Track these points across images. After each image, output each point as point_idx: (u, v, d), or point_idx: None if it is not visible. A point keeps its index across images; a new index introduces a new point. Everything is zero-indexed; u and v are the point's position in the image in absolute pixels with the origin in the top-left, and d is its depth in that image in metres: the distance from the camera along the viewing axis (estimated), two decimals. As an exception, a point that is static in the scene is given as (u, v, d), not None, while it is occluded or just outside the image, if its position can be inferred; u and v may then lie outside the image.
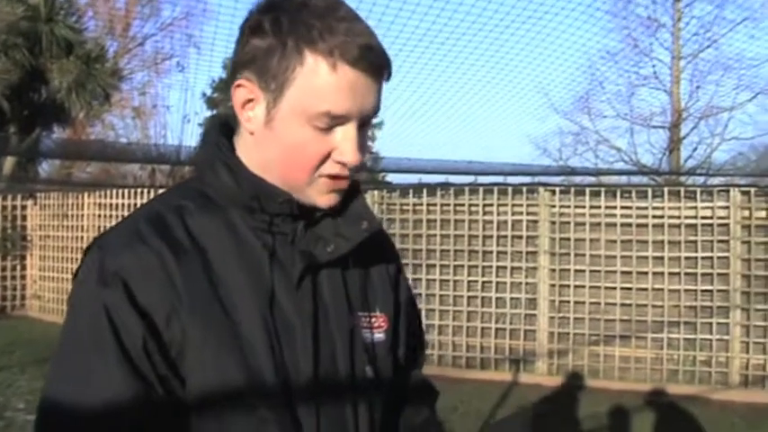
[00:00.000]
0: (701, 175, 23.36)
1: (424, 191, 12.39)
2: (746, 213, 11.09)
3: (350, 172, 1.64)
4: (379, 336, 1.78)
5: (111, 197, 15.61)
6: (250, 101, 1.62)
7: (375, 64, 1.57)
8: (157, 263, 1.55)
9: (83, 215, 16.09)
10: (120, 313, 1.51)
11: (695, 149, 26.86)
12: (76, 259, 15.87)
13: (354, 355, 1.70)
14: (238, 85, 1.63)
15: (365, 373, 1.71)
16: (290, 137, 1.58)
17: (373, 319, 1.78)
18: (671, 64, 26.49)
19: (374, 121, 1.71)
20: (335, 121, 1.56)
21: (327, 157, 1.60)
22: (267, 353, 1.57)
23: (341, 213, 1.72)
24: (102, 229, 15.01)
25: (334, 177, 1.63)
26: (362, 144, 1.63)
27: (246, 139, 1.67)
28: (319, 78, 1.53)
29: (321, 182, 1.63)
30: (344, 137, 1.59)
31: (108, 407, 1.48)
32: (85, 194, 16.26)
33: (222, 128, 1.73)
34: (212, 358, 1.54)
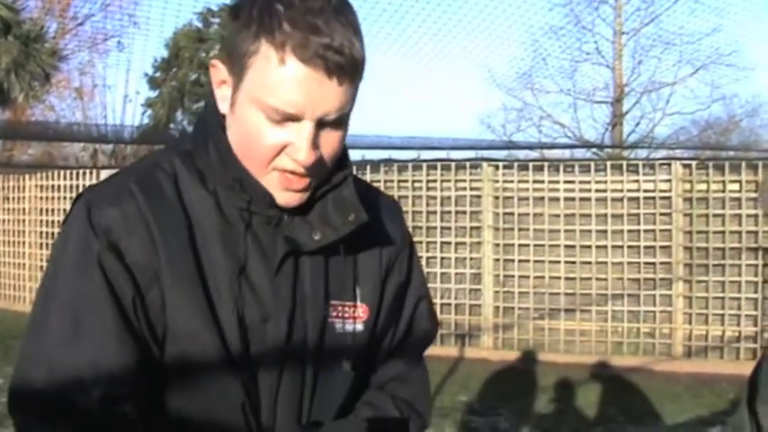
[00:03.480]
0: (643, 148, 23.61)
1: (368, 168, 12.36)
2: (688, 186, 11.22)
3: (306, 171, 1.58)
4: (358, 326, 1.75)
5: (54, 179, 15.35)
6: (223, 82, 1.62)
7: (332, 63, 1.49)
8: (142, 223, 1.56)
9: (24, 197, 15.84)
10: (109, 266, 1.53)
11: (638, 124, 27.23)
12: (18, 242, 15.71)
13: (325, 343, 1.69)
14: (213, 65, 1.63)
15: (336, 361, 1.70)
16: (247, 123, 1.56)
17: (353, 309, 1.75)
18: (613, 39, 26.71)
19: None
20: (286, 116, 1.52)
21: (282, 149, 1.57)
22: (239, 329, 1.57)
23: (332, 201, 1.68)
24: (44, 211, 14.86)
25: (289, 173, 1.59)
26: (327, 144, 1.58)
27: (227, 119, 1.66)
28: (269, 70, 1.50)
29: (275, 176, 1.60)
30: (297, 134, 1.54)
31: (102, 366, 1.49)
32: (27, 176, 16.01)
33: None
34: (186, 326, 1.55)
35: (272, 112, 1.52)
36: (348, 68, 1.51)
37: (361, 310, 1.76)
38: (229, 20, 1.59)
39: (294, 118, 1.52)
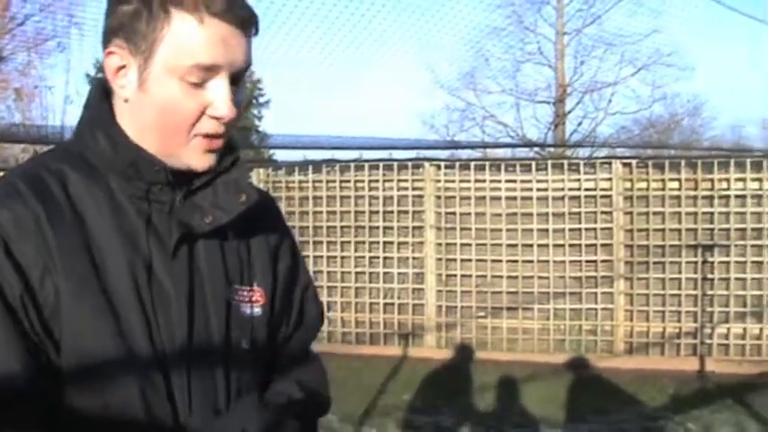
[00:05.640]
0: (585, 147, 23.78)
1: (310, 168, 12.33)
2: (628, 185, 11.33)
3: (225, 129, 1.64)
4: (256, 310, 1.77)
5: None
6: (122, 67, 1.61)
7: (241, 16, 1.58)
8: (33, 223, 1.53)
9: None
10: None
11: (580, 123, 27.41)
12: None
13: (230, 327, 1.69)
14: (109, 53, 1.62)
15: (240, 344, 1.71)
16: (164, 96, 1.58)
17: (251, 293, 1.77)
18: (555, 40, 26.85)
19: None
20: (207, 74, 1.57)
21: (202, 114, 1.60)
22: (141, 320, 1.56)
23: (222, 185, 1.71)
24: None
25: (210, 137, 1.63)
26: (236, 101, 1.63)
27: (122, 107, 1.65)
28: (187, 33, 1.54)
29: (197, 141, 1.63)
30: (217, 90, 1.59)
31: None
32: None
33: (105, 93, 1.70)
34: (86, 324, 1.52)
35: (192, 74, 1.56)
36: (252, 21, 1.62)
37: (258, 294, 1.79)
38: (115, 5, 1.60)
39: (213, 74, 1.58)
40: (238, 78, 1.64)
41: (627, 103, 27.55)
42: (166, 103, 1.58)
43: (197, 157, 1.64)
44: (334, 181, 12.21)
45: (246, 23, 1.60)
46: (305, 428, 1.85)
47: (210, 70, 1.57)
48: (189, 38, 1.54)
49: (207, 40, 1.55)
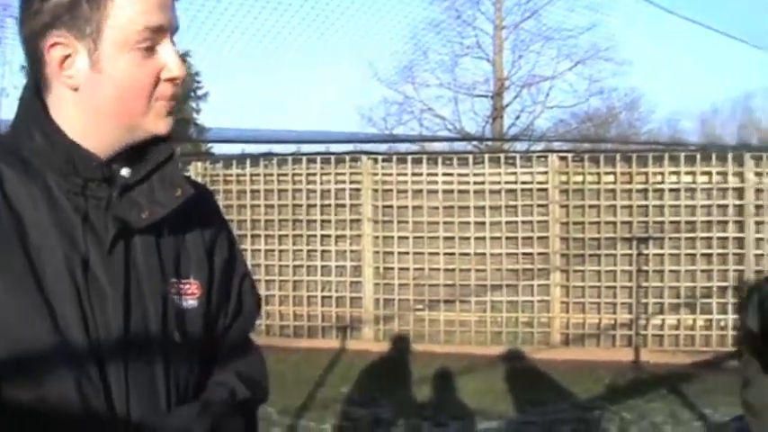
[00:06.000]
0: (523, 141, 23.92)
1: (248, 161, 12.29)
2: (564, 178, 11.45)
3: (180, 88, 1.70)
4: (191, 302, 1.78)
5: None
6: (67, 57, 1.61)
7: None
8: None
9: None
10: None
11: (518, 117, 27.51)
12: None
13: (167, 321, 1.70)
14: (53, 45, 1.60)
15: (175, 338, 1.71)
16: (121, 70, 1.61)
17: (186, 286, 1.78)
18: (493, 34, 26.95)
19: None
20: (155, 37, 1.62)
21: (158, 79, 1.64)
22: (77, 316, 1.55)
23: (157, 180, 1.73)
24: None
25: (168, 99, 1.67)
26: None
27: (66, 100, 1.64)
28: (130, 3, 1.58)
29: (159, 105, 1.66)
30: (166, 52, 1.64)
31: None
32: None
33: (37, 89, 1.69)
34: (21, 321, 1.51)
35: (143, 39, 1.60)
36: None
37: (195, 287, 1.79)
38: (41, 2, 1.59)
39: (160, 37, 1.62)
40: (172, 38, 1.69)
41: (564, 97, 27.71)
42: (124, 77, 1.61)
43: (159, 122, 1.67)
44: (272, 174, 12.19)
45: None
46: (246, 420, 1.88)
47: (158, 32, 1.61)
48: (133, 8, 1.58)
49: (150, 3, 1.59)
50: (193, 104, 29.16)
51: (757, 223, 11.00)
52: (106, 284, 1.61)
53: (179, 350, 1.72)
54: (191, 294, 1.78)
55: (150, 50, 1.62)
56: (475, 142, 24.16)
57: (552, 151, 12.28)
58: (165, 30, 1.63)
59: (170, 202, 1.70)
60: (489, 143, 24.49)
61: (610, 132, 29.13)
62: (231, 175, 12.33)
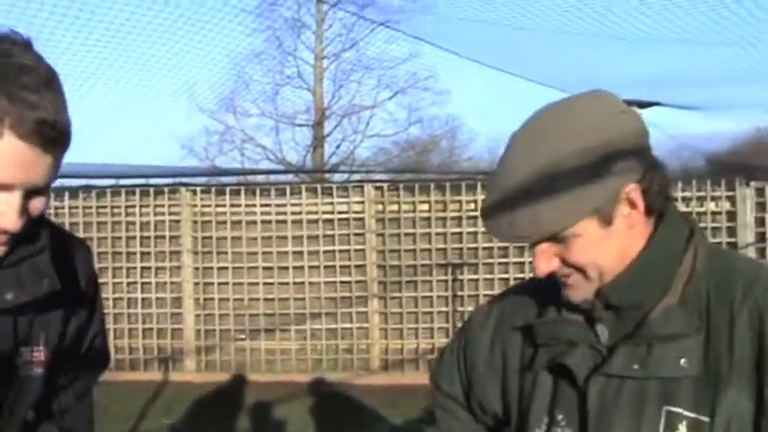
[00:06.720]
0: (344, 172, 24.12)
1: (66, 194, 12.11)
2: (380, 207, 11.69)
3: (9, 236, 1.61)
4: (37, 370, 1.82)
5: None
6: None
7: (48, 138, 1.52)
8: None
9: None
10: None
11: (338, 146, 27.78)
12: None
13: (10, 390, 1.76)
14: None
15: (22, 410, 1.79)
16: None
17: (35, 354, 1.81)
18: (314, 63, 27.17)
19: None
20: None
21: None
22: None
23: (27, 267, 1.74)
24: None
25: None
26: (33, 209, 1.62)
27: None
28: None
29: None
30: (6, 204, 1.55)
31: None
32: None
33: None
34: None
35: None
36: (61, 141, 1.57)
37: (43, 355, 1.82)
38: None
39: (5, 189, 1.54)
40: (38, 191, 1.61)
41: (385, 126, 28.10)
42: None
43: None
44: (91, 207, 12.02)
45: (55, 145, 1.56)
46: None
47: (2, 187, 1.54)
48: None
49: (1, 157, 1.50)
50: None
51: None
52: None
53: (28, 419, 1.81)
54: (38, 363, 1.81)
55: None
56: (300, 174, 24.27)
57: (368, 181, 12.50)
58: (12, 187, 1.53)
59: (35, 291, 1.73)
60: (312, 173, 24.63)
61: (431, 161, 29.66)
62: (49, 208, 11.98)
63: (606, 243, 1.63)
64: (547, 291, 1.82)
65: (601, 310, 1.72)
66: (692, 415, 1.61)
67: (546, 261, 1.66)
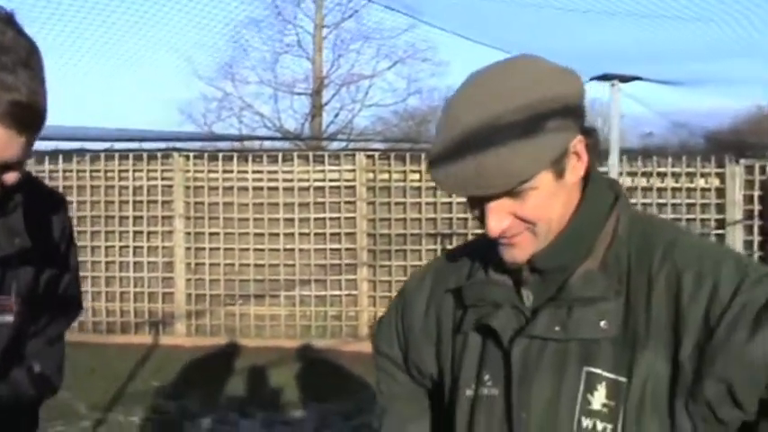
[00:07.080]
0: (341, 140, 24.09)
1: (60, 157, 12.15)
2: (371, 176, 11.76)
3: None
4: (7, 318, 1.88)
5: None
6: None
7: (21, 121, 1.56)
8: None
9: None
10: None
11: (337, 115, 27.65)
12: None
13: None
14: None
15: None
16: None
17: (4, 302, 1.87)
18: (314, 32, 27.09)
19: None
20: None
21: None
22: None
23: (1, 226, 1.82)
24: None
25: None
26: (8, 181, 1.67)
27: None
28: None
29: None
30: None
31: None
32: None
33: None
34: None
35: None
36: (35, 123, 1.60)
37: (14, 302, 1.89)
38: None
39: None
40: (8, 167, 1.65)
41: (383, 96, 28.06)
42: None
43: None
44: (85, 171, 12.07)
45: (28, 125, 1.59)
46: (24, 416, 2.06)
47: None
48: None
49: None
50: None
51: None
52: None
53: None
54: (8, 309, 1.88)
55: None
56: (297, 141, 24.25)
57: (360, 150, 12.57)
58: None
59: (7, 248, 1.82)
60: (309, 141, 24.60)
61: (430, 131, 29.61)
62: (43, 171, 12.10)
63: (557, 197, 1.67)
64: (479, 252, 1.89)
65: (527, 272, 1.77)
66: (610, 376, 1.66)
67: (499, 219, 1.66)
